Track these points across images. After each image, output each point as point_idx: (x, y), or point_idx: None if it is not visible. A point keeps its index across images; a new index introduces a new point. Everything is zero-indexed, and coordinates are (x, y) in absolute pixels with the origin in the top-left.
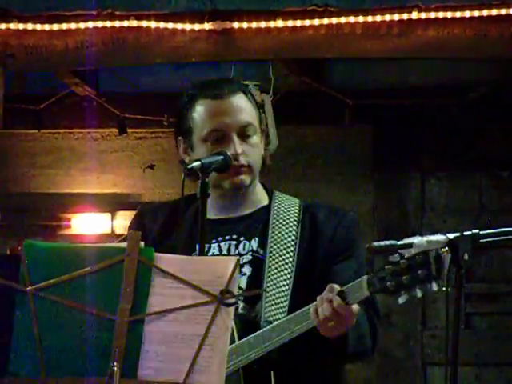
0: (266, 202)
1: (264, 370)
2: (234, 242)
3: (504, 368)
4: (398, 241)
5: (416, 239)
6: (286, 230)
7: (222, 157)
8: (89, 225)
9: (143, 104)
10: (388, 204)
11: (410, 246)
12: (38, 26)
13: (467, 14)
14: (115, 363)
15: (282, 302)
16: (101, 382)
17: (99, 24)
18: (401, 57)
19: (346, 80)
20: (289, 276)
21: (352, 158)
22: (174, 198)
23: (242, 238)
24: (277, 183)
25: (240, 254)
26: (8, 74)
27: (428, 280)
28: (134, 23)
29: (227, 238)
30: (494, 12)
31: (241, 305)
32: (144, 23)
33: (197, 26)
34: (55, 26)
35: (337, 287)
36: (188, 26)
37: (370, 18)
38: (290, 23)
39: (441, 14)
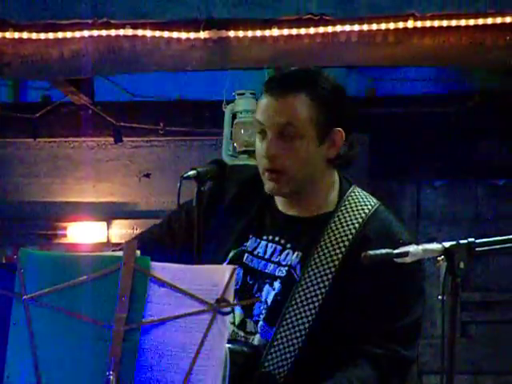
0: (332, 207)
1: None
2: (279, 248)
3: (500, 376)
4: (394, 249)
5: (412, 248)
6: (333, 253)
7: (216, 165)
8: (85, 233)
9: (139, 113)
10: None
11: (406, 254)
12: (34, 35)
13: (463, 22)
14: (111, 372)
15: (295, 339)
16: None
17: (95, 33)
18: (396, 65)
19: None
20: (313, 313)
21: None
22: (170, 207)
23: (288, 245)
24: None
25: (279, 264)
26: (4, 82)
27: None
28: (130, 32)
29: (276, 239)
30: (490, 21)
31: (257, 337)
32: (139, 32)
33: (192, 35)
34: (51, 35)
35: None
36: (183, 35)
37: (365, 27)
38: (286, 32)
39: (436, 23)
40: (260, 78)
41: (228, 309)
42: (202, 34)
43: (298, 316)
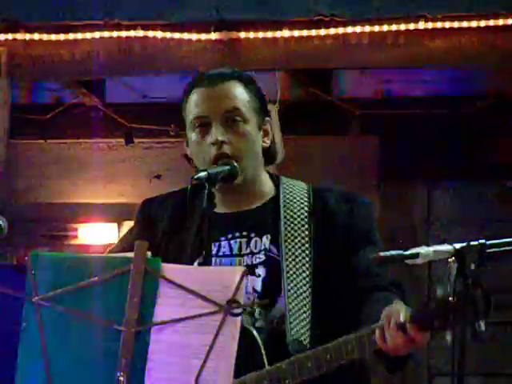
0: (273, 192)
1: None
2: (244, 240)
3: (511, 377)
4: (405, 251)
5: (422, 249)
6: (299, 225)
7: (228, 167)
8: (95, 235)
9: (150, 114)
10: (394, 215)
11: (417, 256)
12: (45, 36)
13: (474, 23)
14: (122, 373)
15: (304, 306)
16: None
17: (106, 34)
18: (407, 67)
19: (353, 90)
20: (308, 279)
21: (358, 168)
22: None
23: (252, 235)
24: None
25: (252, 253)
26: (15, 84)
27: (475, 319)
28: (141, 33)
29: (237, 234)
30: (501, 22)
31: (256, 311)
32: (150, 33)
33: (203, 36)
34: (62, 36)
35: (408, 314)
36: (194, 36)
37: (376, 28)
38: (297, 33)
39: (447, 24)
40: (271, 80)
41: (239, 310)
42: (213, 36)
43: (299, 285)
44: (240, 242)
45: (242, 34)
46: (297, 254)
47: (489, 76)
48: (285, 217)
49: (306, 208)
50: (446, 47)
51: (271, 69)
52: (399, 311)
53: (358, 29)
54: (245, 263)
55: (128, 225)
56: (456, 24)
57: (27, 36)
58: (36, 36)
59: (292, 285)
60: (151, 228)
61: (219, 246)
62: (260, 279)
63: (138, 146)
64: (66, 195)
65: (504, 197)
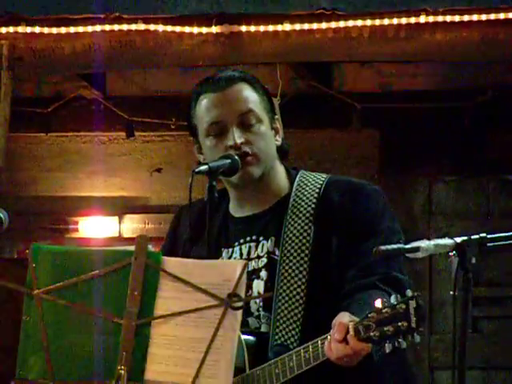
0: (287, 189)
1: None
2: (253, 244)
3: None
4: (405, 244)
5: (423, 243)
6: (302, 224)
7: (229, 160)
8: (96, 228)
9: (151, 107)
10: (395, 208)
11: (417, 249)
12: (46, 30)
13: (475, 17)
14: (122, 366)
15: (295, 309)
16: None
17: (107, 27)
18: (408, 60)
19: (353, 84)
20: (303, 283)
21: (359, 161)
22: (182, 202)
23: (261, 238)
24: None
25: (258, 257)
26: (16, 77)
27: (410, 332)
28: (142, 26)
29: (248, 239)
30: (502, 15)
31: (261, 314)
32: (151, 26)
33: (204, 30)
34: (63, 30)
35: (349, 325)
36: (195, 30)
37: (377, 22)
38: (298, 27)
39: (448, 18)
40: (272, 73)
41: (239, 304)
42: (214, 29)
43: (292, 287)
44: (249, 247)
45: (244, 28)
46: (295, 255)
47: (489, 70)
48: (290, 217)
49: (314, 206)
50: (447, 41)
51: (272, 62)
52: (345, 321)
53: (359, 22)
54: (251, 267)
55: (129, 218)
56: (457, 18)
57: (28, 29)
58: (37, 29)
59: (285, 287)
60: (177, 242)
61: (232, 251)
62: (263, 282)
63: (139, 140)
64: (66, 188)
65: (505, 190)
